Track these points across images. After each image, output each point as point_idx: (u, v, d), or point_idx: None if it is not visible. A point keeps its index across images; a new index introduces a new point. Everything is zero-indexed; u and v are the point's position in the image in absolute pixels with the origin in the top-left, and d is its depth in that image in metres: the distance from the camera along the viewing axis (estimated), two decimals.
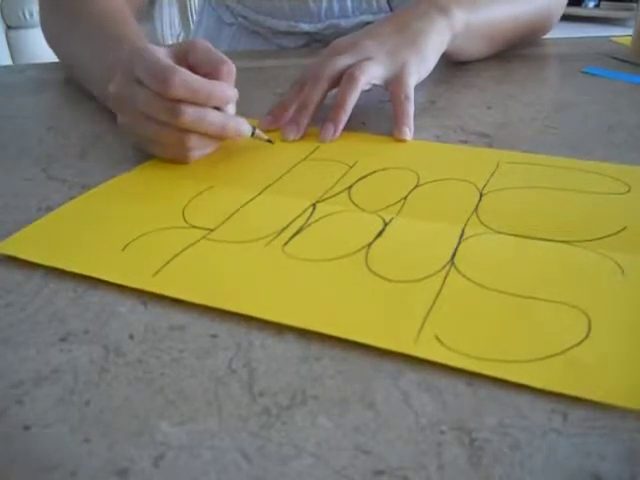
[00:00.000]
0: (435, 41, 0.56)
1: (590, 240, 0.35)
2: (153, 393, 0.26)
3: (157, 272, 0.33)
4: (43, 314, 0.31)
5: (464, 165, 0.45)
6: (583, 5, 4.29)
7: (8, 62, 2.76)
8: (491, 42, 0.70)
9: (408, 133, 0.50)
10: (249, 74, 0.71)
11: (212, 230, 0.37)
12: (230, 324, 0.30)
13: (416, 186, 0.42)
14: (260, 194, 0.42)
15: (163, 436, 0.24)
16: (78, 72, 0.63)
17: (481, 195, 0.41)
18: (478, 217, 0.38)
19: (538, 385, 0.25)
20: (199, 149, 0.46)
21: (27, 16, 2.82)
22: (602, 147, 0.49)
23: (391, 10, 0.80)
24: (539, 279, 0.32)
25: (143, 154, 0.48)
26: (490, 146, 0.49)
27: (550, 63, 0.76)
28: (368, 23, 0.59)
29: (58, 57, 0.69)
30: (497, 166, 0.45)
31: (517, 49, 0.76)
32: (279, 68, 0.73)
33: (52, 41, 0.69)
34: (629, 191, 0.41)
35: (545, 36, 0.81)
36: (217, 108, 0.45)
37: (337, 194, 0.41)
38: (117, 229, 0.38)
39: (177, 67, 0.42)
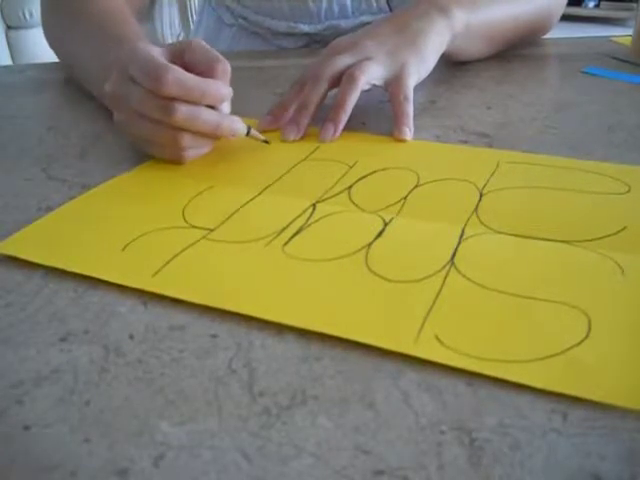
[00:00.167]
0: (435, 41, 0.56)
1: (590, 240, 0.35)
2: (153, 393, 0.26)
3: (157, 272, 0.33)
4: (43, 314, 0.31)
5: (464, 165, 0.45)
6: (583, 5, 4.29)
7: (8, 62, 2.76)
8: (491, 42, 0.70)
9: (408, 133, 0.50)
10: (249, 74, 0.71)
11: (212, 230, 0.37)
12: (230, 324, 0.30)
13: (416, 186, 0.42)
14: (260, 194, 0.42)
15: (163, 436, 0.24)
16: (78, 72, 0.63)
17: (481, 195, 0.41)
18: (478, 217, 0.38)
19: (538, 385, 0.25)
20: (193, 149, 0.46)
21: (27, 16, 2.82)
22: (602, 147, 0.49)
23: (391, 11, 0.80)
24: (539, 279, 0.32)
25: (143, 154, 0.48)
26: (490, 146, 0.49)
27: (550, 63, 0.76)
28: (368, 24, 0.59)
29: (59, 57, 0.69)
30: (497, 166, 0.45)
31: (517, 49, 0.76)
32: (279, 68, 0.73)
33: (53, 41, 0.69)
34: (629, 191, 0.41)
35: (545, 36, 0.81)
36: (212, 107, 0.45)
37: (337, 194, 0.41)
38: (117, 229, 0.38)
39: (170, 65, 0.42)
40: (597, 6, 4.34)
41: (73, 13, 0.63)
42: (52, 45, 0.69)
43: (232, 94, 0.46)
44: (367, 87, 0.52)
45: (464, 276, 0.32)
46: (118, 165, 0.47)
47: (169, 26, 1.05)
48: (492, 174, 0.44)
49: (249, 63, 0.75)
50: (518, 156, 0.47)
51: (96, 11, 0.60)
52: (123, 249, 0.35)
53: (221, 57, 0.45)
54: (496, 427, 0.24)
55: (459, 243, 0.35)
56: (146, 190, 0.43)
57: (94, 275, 0.33)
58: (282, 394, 0.26)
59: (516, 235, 0.36)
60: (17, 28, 2.87)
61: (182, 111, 0.42)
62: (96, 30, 0.58)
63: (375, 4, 0.80)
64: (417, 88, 0.54)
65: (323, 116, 0.51)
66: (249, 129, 0.48)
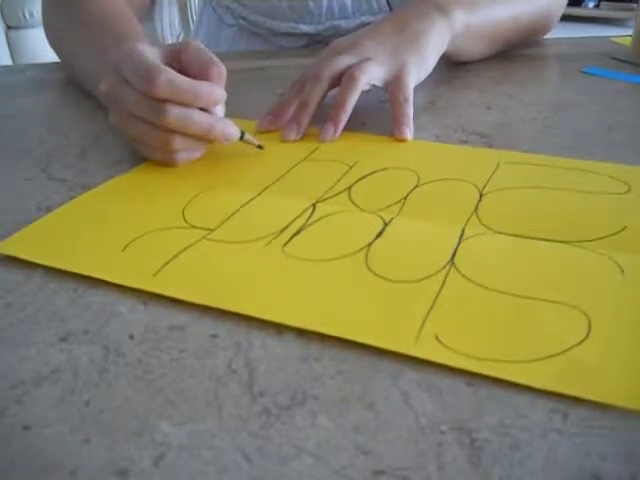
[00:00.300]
0: (435, 42, 0.56)
1: (590, 240, 0.35)
2: (153, 393, 0.26)
3: (157, 272, 0.33)
4: (43, 314, 0.31)
5: (464, 165, 0.45)
6: (583, 5, 4.29)
7: (8, 62, 2.76)
8: (491, 42, 0.70)
9: (408, 133, 0.50)
10: (249, 74, 0.71)
11: (212, 230, 0.37)
12: (230, 324, 0.30)
13: (416, 186, 0.42)
14: (260, 194, 0.42)
15: (163, 436, 0.24)
16: (78, 72, 0.63)
17: (481, 195, 0.41)
18: (478, 217, 0.38)
19: (538, 385, 0.25)
20: (185, 152, 0.46)
21: (27, 16, 2.82)
22: (602, 147, 0.49)
23: (391, 11, 0.80)
24: (539, 279, 0.32)
25: (142, 154, 0.48)
26: (490, 146, 0.49)
27: (550, 63, 0.76)
28: (368, 24, 0.59)
29: (59, 56, 0.69)
30: (497, 166, 0.45)
31: (517, 49, 0.76)
32: (279, 68, 0.73)
33: (53, 40, 0.69)
34: (629, 191, 0.41)
35: (545, 36, 0.81)
36: (205, 110, 0.44)
37: (337, 194, 0.41)
38: (117, 229, 0.38)
39: (163, 67, 0.42)
40: (597, 6, 4.34)
41: (74, 12, 0.63)
42: (52, 44, 0.69)
43: (226, 97, 0.45)
44: (367, 88, 0.52)
45: (464, 276, 0.32)
46: (118, 165, 0.47)
47: (169, 26, 1.05)
48: (492, 174, 0.44)
49: (249, 63, 0.75)
50: (518, 156, 0.47)
51: (96, 10, 0.60)
52: (123, 249, 0.35)
53: (216, 59, 0.45)
54: (496, 427, 0.24)
55: (459, 243, 0.35)
56: (146, 190, 0.43)
57: (94, 275, 0.33)
58: (282, 394, 0.26)
59: (516, 235, 0.36)
60: (17, 28, 2.87)
61: (174, 113, 0.42)
62: (96, 29, 0.58)
63: (375, 4, 0.80)
64: (417, 88, 0.54)
65: (323, 116, 0.51)
66: (243, 133, 0.47)
